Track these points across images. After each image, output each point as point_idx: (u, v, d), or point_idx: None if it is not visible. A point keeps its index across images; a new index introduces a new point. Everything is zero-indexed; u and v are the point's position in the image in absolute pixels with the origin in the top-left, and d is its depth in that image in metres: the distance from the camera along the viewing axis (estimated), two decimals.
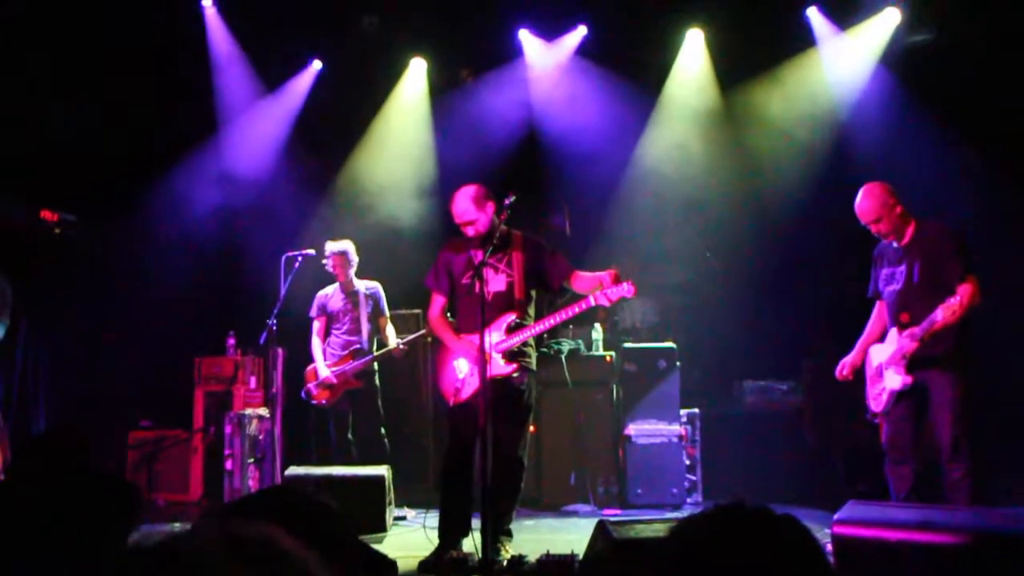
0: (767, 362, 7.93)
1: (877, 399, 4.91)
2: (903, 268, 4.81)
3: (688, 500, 7.15)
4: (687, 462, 7.27)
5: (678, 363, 7.34)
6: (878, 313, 5.09)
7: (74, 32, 7.62)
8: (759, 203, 8.03)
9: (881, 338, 4.96)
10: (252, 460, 6.86)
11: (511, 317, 5.01)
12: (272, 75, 8.75)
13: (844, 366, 5.13)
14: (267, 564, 0.78)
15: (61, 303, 7.84)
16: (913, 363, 4.68)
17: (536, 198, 7.97)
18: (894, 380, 4.75)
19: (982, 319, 4.73)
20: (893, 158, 6.98)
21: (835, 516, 3.67)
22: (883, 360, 4.86)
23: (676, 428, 7.20)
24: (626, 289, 4.80)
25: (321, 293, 6.97)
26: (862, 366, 5.08)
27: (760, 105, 8.20)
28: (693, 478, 7.30)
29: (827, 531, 3.85)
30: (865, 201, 4.81)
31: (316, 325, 6.92)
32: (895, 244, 4.87)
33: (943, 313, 4.43)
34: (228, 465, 6.90)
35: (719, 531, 1.28)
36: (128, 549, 0.82)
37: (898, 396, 4.77)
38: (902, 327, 4.72)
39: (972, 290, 4.54)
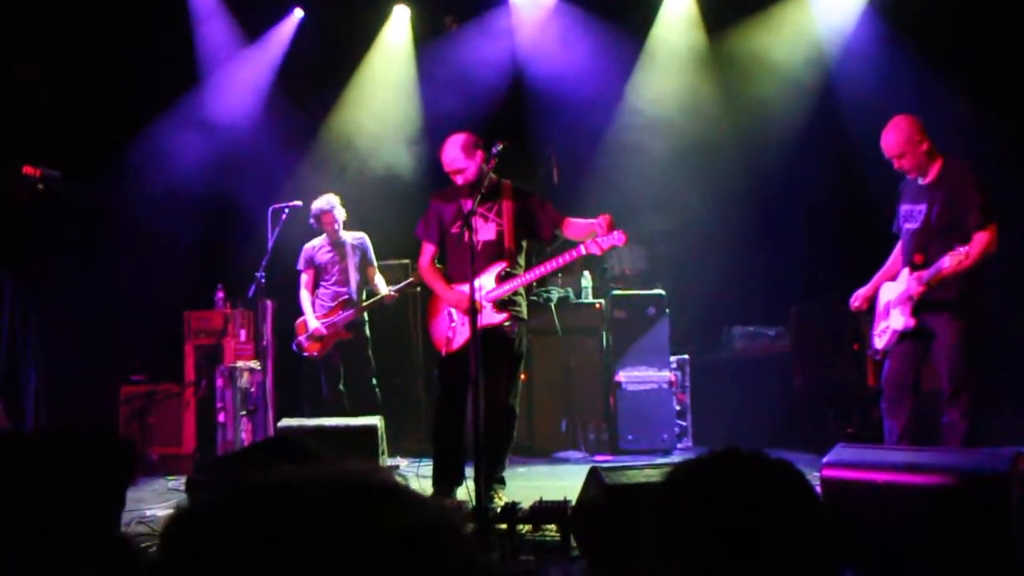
0: (755, 308, 7.98)
1: (881, 336, 4.93)
2: (923, 207, 4.72)
3: (678, 445, 7.23)
4: (677, 408, 7.34)
5: (667, 310, 7.38)
6: (899, 249, 5.02)
7: None
8: (747, 148, 8.00)
9: (896, 276, 4.95)
10: (244, 412, 6.87)
11: (501, 266, 5.00)
12: (253, 24, 8.60)
13: (857, 297, 5.07)
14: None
15: (47, 259, 7.78)
16: (921, 306, 4.66)
17: (523, 145, 7.92)
18: (898, 320, 4.75)
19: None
20: (883, 103, 6.92)
21: (823, 459, 3.70)
22: (891, 299, 4.85)
23: (666, 374, 7.26)
24: (617, 237, 4.78)
25: (308, 245, 6.94)
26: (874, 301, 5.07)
27: (748, 48, 8.12)
28: (683, 423, 7.38)
29: (816, 474, 3.90)
30: (890, 134, 4.70)
31: (304, 278, 6.89)
32: (920, 181, 4.78)
33: (949, 261, 4.40)
34: (220, 418, 6.92)
35: (714, 476, 1.29)
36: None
37: (901, 336, 4.78)
38: (914, 267, 4.68)
39: (988, 239, 4.48)
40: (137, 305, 7.73)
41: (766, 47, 8.02)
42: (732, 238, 8.01)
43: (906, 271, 4.76)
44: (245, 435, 6.86)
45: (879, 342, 4.95)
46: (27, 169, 7.51)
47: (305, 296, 6.83)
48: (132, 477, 2.09)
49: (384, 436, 6.11)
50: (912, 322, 4.69)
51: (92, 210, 8.00)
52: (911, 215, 4.81)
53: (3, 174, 7.26)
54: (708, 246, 8.07)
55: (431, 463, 5.19)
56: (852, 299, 5.11)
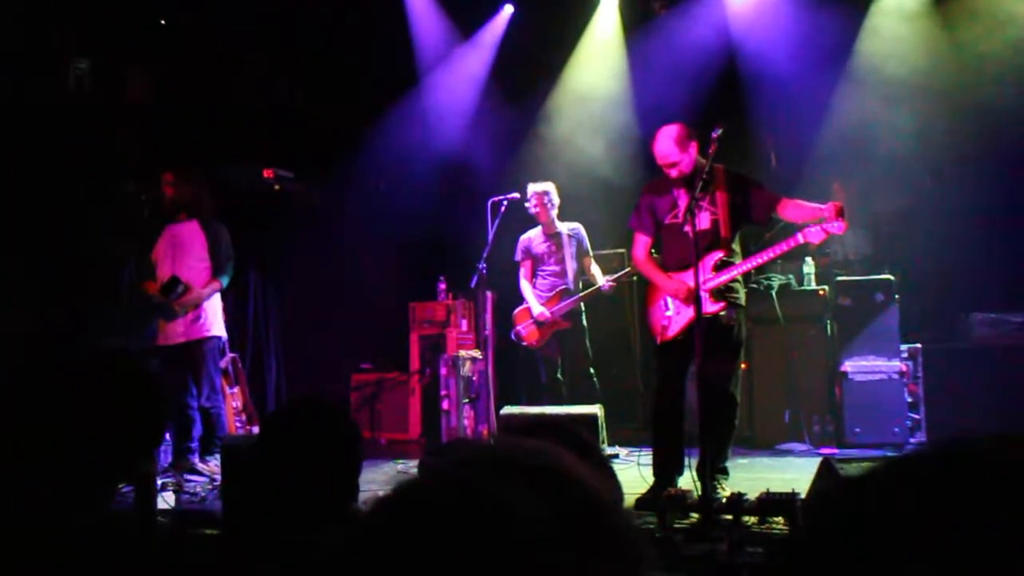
0: (996, 293, 7.38)
1: None
2: None
3: (911, 440, 6.82)
4: (909, 400, 6.93)
5: (896, 296, 6.98)
6: None
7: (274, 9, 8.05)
8: (985, 119, 7.40)
9: None
10: (467, 400, 7.11)
11: (718, 255, 4.91)
12: (466, 22, 8.88)
13: None
14: (547, 481, 0.79)
15: (285, 255, 8.36)
16: None
17: (740, 129, 7.71)
18: None
19: None
20: None
21: None
22: None
23: (896, 364, 6.88)
24: (838, 226, 4.60)
25: (524, 236, 7.05)
26: None
27: (984, 11, 7.52)
28: (916, 416, 6.96)
29: None
30: None
31: (523, 269, 7.02)
32: None
33: None
34: (444, 405, 7.19)
35: (952, 467, 1.15)
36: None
37: None
38: None
39: None
40: (366, 297, 8.15)
41: (1004, 8, 7.40)
42: (968, 218, 7.44)
43: None
44: (467, 422, 7.09)
45: None
46: (266, 172, 8.13)
47: (526, 285, 6.95)
48: (360, 451, 2.20)
49: (603, 425, 6.16)
50: None
51: (322, 208, 8.53)
52: None
53: (248, 178, 7.89)
54: (941, 227, 7.53)
55: (652, 452, 5.17)
56: None
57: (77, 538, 1.45)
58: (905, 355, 6.98)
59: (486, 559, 0.72)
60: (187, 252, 6.28)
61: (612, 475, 1.63)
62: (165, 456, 6.10)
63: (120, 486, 1.99)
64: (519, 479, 0.77)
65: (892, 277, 7.07)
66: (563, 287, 6.85)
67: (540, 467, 0.80)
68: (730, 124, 4.78)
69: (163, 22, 7.65)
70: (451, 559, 0.72)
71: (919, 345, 7.07)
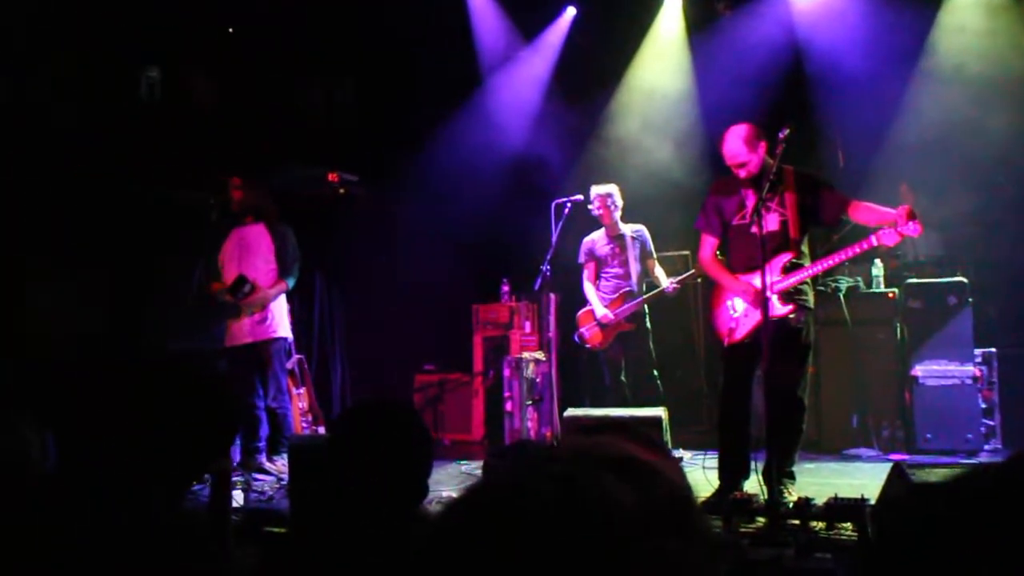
0: None
1: None
2: None
3: (985, 447, 6.64)
4: (983, 406, 6.75)
5: (970, 299, 6.80)
6: None
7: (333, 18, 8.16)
8: None
9: None
10: (530, 402, 7.11)
11: (787, 257, 4.84)
12: (528, 25, 8.90)
13: None
14: (643, 480, 0.78)
15: (350, 257, 8.45)
16: None
17: (808, 129, 7.59)
18: None
19: None
20: None
21: None
22: None
23: (969, 369, 6.70)
24: (912, 228, 4.51)
25: (587, 239, 7.04)
26: None
27: None
28: (991, 423, 6.77)
29: None
30: None
31: (586, 271, 7.01)
32: None
33: None
34: (508, 407, 7.21)
35: None
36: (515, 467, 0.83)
37: None
38: None
39: None
40: (429, 299, 8.20)
41: None
42: None
43: None
44: (531, 424, 7.10)
45: None
46: (331, 176, 8.24)
47: (589, 288, 6.95)
48: (429, 453, 2.21)
49: (668, 427, 6.12)
50: None
51: (387, 211, 8.60)
52: None
53: (313, 182, 8.00)
54: (1017, 228, 7.32)
55: (715, 455, 5.12)
56: None
57: (150, 534, 1.48)
58: (979, 360, 6.79)
59: (590, 549, 0.72)
60: (254, 254, 6.40)
61: (683, 473, 1.62)
62: (233, 455, 6.21)
63: (193, 484, 2.02)
64: (609, 472, 0.77)
65: (965, 280, 6.89)
66: (627, 289, 6.83)
67: (626, 460, 0.80)
68: (797, 124, 4.71)
69: (231, 30, 7.80)
70: (556, 551, 0.72)
71: (994, 349, 6.88)
